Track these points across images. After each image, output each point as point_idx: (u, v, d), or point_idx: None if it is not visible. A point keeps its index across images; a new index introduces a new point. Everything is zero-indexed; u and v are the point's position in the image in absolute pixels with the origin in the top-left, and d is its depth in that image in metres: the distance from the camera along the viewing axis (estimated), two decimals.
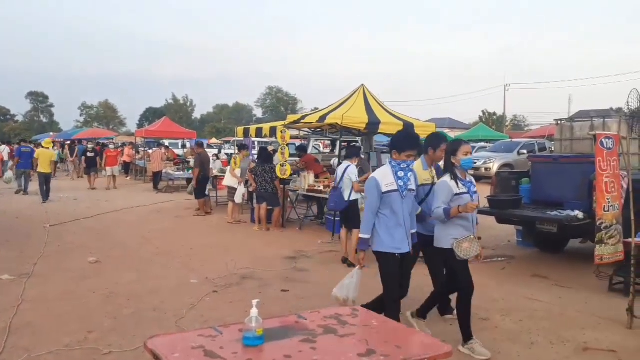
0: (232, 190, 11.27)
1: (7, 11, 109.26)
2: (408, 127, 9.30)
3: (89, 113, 79.98)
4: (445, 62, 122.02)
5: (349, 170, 7.41)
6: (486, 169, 18.36)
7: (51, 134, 42.02)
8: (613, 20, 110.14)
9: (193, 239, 9.10)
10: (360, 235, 4.17)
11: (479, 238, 4.43)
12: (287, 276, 6.67)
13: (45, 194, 14.52)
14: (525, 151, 18.64)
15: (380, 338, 2.47)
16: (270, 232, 9.98)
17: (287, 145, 10.75)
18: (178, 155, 21.81)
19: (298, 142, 18.10)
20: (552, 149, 13.86)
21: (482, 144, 25.29)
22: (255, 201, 10.39)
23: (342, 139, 11.10)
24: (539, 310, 5.37)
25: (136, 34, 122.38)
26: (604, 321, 5.06)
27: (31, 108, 79.51)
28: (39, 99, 79.37)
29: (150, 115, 70.21)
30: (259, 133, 13.04)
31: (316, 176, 10.58)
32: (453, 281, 4.39)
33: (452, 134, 24.98)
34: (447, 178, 4.24)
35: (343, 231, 7.56)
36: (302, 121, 10.71)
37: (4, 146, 24.27)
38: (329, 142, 20.10)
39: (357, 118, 9.49)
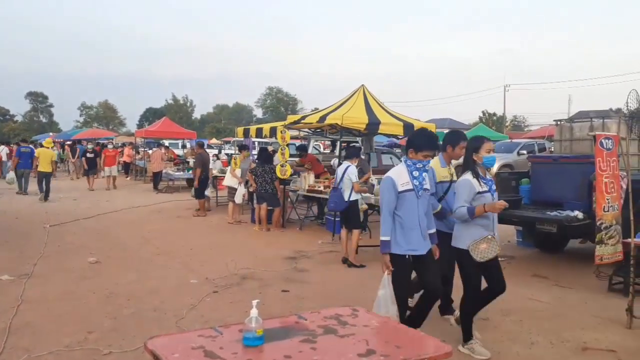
0: (232, 191, 11.27)
1: (7, 11, 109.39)
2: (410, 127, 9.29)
3: (89, 113, 79.94)
4: (445, 63, 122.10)
5: (349, 171, 7.41)
6: None
7: (51, 134, 41.95)
8: (613, 20, 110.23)
9: (193, 239, 9.10)
10: (381, 238, 3.95)
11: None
12: (287, 276, 6.67)
13: (45, 193, 14.53)
14: (525, 152, 18.63)
15: (380, 338, 2.47)
16: (271, 232, 9.98)
17: (287, 145, 10.76)
18: (178, 156, 21.82)
19: (298, 143, 18.09)
20: (552, 150, 13.86)
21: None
22: (255, 201, 10.39)
23: (342, 140, 11.10)
24: (539, 310, 5.37)
25: (136, 34, 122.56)
26: (603, 321, 5.06)
27: (31, 108, 79.48)
28: (38, 99, 79.31)
29: (150, 115, 70.20)
30: (259, 133, 13.05)
31: (316, 176, 10.59)
32: (488, 282, 4.25)
33: None
34: (468, 176, 4.09)
35: (343, 231, 7.56)
36: (302, 121, 10.71)
37: (2, 146, 24.23)
38: (329, 143, 20.11)
39: (357, 118, 9.49)
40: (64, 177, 23.01)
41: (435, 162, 4.56)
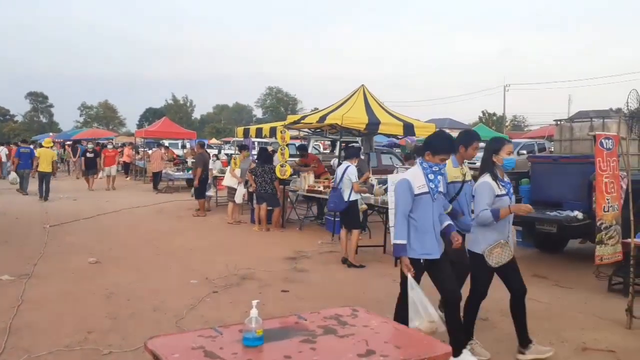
0: (232, 191, 11.28)
1: (7, 11, 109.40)
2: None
3: (89, 113, 79.95)
4: (445, 62, 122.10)
5: (348, 171, 7.41)
6: None
7: (51, 134, 41.97)
8: (613, 20, 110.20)
9: (193, 239, 9.11)
10: (396, 241, 3.82)
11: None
12: (287, 276, 6.67)
13: (45, 193, 14.53)
14: (524, 151, 18.65)
15: (380, 338, 2.47)
16: (270, 232, 9.98)
17: (287, 145, 10.76)
18: (178, 156, 21.81)
19: (298, 143, 18.08)
20: (552, 150, 13.86)
21: (482, 144, 25.20)
22: (255, 201, 10.39)
23: (342, 140, 11.10)
24: (539, 310, 5.37)
25: (136, 34, 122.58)
26: (603, 321, 5.07)
27: (31, 108, 79.52)
28: (38, 99, 79.35)
29: (150, 115, 70.18)
30: (258, 133, 13.04)
31: (317, 176, 10.59)
32: (508, 285, 4.25)
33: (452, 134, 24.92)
34: (487, 178, 4.02)
35: (343, 231, 7.56)
36: (302, 121, 10.71)
37: (2, 147, 24.20)
38: (329, 143, 20.11)
39: (357, 118, 9.49)
40: (64, 177, 23.00)
41: (447, 162, 4.53)
